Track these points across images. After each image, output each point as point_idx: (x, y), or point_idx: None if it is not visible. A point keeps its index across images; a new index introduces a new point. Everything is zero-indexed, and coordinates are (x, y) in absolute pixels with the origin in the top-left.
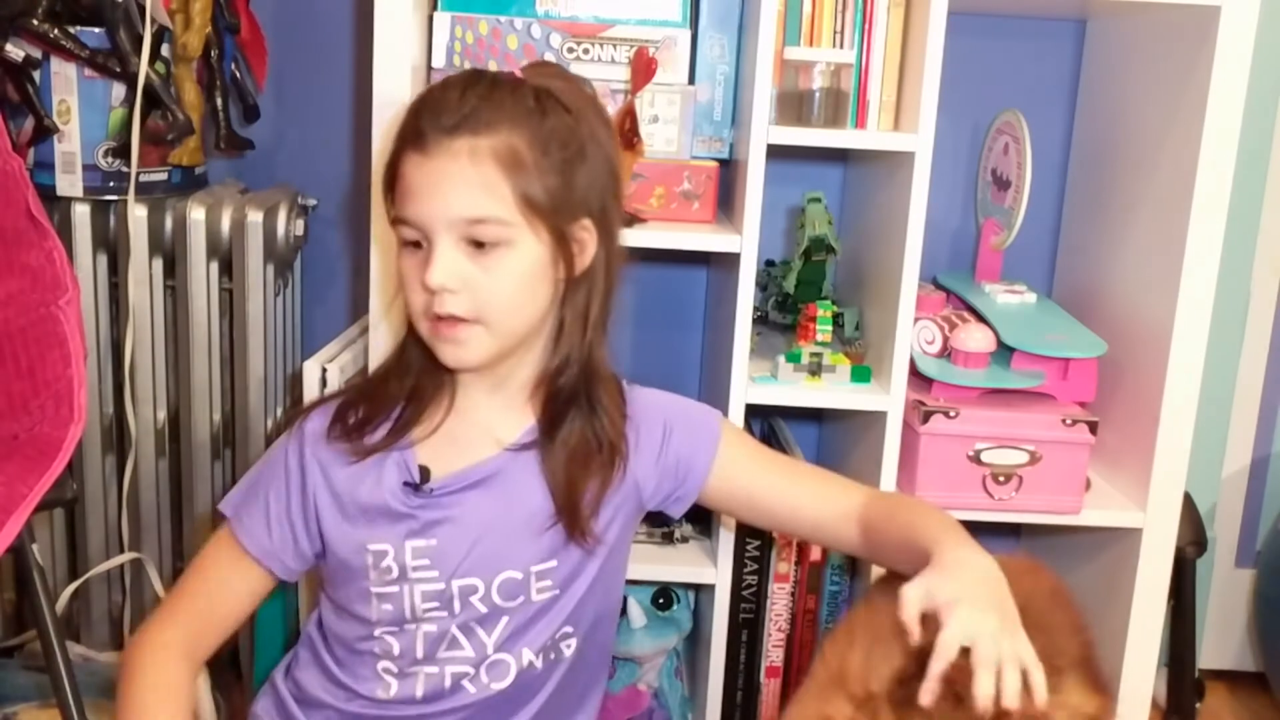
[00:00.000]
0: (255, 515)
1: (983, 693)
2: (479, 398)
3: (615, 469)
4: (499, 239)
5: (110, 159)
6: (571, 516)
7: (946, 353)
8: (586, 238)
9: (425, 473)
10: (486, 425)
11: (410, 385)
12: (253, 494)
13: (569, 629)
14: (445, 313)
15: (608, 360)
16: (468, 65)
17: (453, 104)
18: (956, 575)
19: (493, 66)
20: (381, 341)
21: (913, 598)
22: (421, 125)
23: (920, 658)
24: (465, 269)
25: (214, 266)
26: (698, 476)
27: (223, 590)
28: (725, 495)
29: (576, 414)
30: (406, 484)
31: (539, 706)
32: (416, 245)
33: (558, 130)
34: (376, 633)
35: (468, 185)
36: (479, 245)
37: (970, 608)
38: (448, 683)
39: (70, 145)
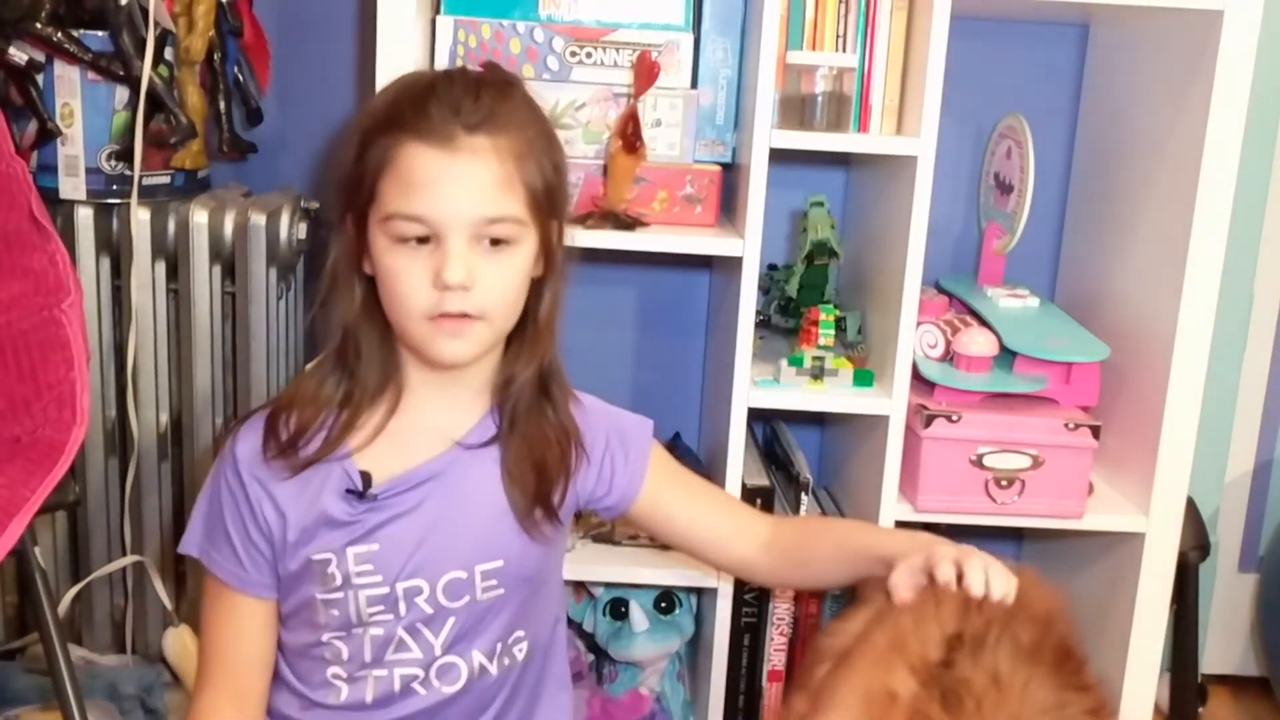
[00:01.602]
0: (223, 549)
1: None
2: (429, 396)
3: (574, 453)
4: (511, 237)
5: (113, 162)
6: (545, 506)
7: (949, 356)
8: (555, 238)
9: (367, 479)
10: (434, 423)
11: (345, 388)
12: (210, 528)
13: (520, 632)
14: (457, 310)
15: (559, 355)
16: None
17: (469, 102)
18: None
19: None
20: None
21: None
22: (434, 119)
23: (960, 633)
24: (477, 266)
25: (216, 270)
26: (629, 491)
27: (235, 635)
28: (646, 514)
29: (536, 409)
30: (349, 491)
31: (494, 714)
32: (415, 241)
33: (551, 134)
34: (325, 638)
35: (494, 183)
36: (491, 242)
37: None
38: (397, 686)
39: (73, 148)
